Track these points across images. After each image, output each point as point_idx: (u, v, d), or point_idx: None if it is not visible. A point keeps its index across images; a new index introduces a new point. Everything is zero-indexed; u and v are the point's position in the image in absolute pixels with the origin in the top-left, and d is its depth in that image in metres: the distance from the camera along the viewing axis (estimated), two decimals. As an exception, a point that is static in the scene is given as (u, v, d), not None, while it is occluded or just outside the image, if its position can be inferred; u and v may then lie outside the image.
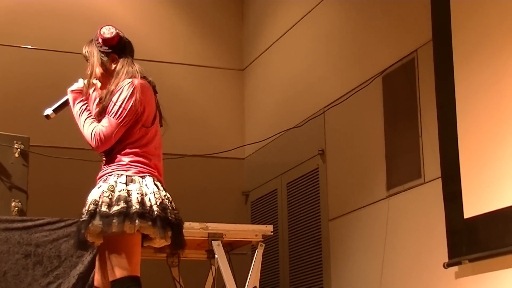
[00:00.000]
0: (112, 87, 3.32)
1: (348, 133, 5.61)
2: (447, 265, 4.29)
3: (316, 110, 5.97)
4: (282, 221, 6.36)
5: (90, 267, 4.15)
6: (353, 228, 5.40)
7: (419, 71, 4.84)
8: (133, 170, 3.27)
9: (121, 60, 3.40)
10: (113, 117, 3.25)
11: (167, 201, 3.27)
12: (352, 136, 5.54)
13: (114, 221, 3.11)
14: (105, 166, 3.33)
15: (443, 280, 4.40)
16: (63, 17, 6.84)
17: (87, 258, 4.17)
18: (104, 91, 3.37)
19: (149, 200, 3.20)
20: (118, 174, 3.25)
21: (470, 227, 4.15)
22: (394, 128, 5.04)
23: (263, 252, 4.53)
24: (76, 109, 3.35)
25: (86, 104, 3.37)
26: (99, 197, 3.19)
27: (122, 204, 3.14)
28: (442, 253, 4.34)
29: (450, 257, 4.29)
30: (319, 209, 5.84)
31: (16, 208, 4.36)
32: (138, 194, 3.19)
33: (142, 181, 3.25)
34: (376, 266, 5.06)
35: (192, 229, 4.28)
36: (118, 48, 3.43)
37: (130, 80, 3.32)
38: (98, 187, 3.24)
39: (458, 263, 4.24)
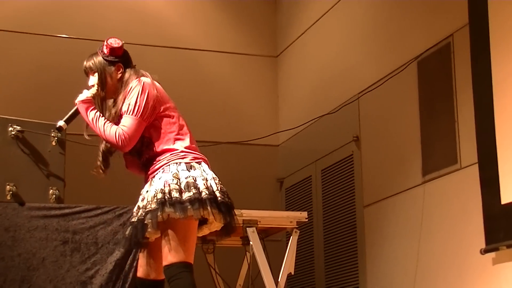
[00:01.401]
0: (122, 95, 3.40)
1: (382, 119, 5.57)
2: (484, 251, 4.25)
3: (350, 96, 5.94)
4: (317, 207, 6.35)
5: (127, 254, 4.20)
6: (388, 214, 5.37)
7: (454, 55, 4.79)
8: (190, 157, 3.32)
9: (127, 70, 3.48)
10: (132, 115, 3.30)
11: (222, 185, 3.33)
12: (387, 122, 5.51)
13: (188, 207, 3.15)
14: (155, 159, 3.33)
15: (480, 266, 4.36)
16: (98, 5, 6.88)
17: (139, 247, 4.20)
18: (111, 101, 3.47)
19: (211, 185, 3.26)
20: (176, 162, 3.29)
21: (508, 212, 4.10)
22: (430, 114, 4.99)
23: (298, 239, 4.54)
24: (91, 116, 3.40)
25: (99, 112, 3.43)
26: (164, 186, 3.21)
27: (194, 190, 3.19)
28: (479, 239, 4.30)
29: (487, 243, 4.24)
30: (354, 196, 5.82)
31: (54, 196, 4.42)
32: (202, 180, 3.25)
33: (200, 167, 3.31)
34: (411, 252, 5.03)
35: (227, 216, 4.29)
36: (124, 58, 3.51)
37: (136, 79, 3.40)
38: (159, 178, 3.26)
39: (496, 249, 4.20)
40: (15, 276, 4.07)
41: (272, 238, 4.80)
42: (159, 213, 3.15)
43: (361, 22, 5.98)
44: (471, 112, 4.47)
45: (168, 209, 3.15)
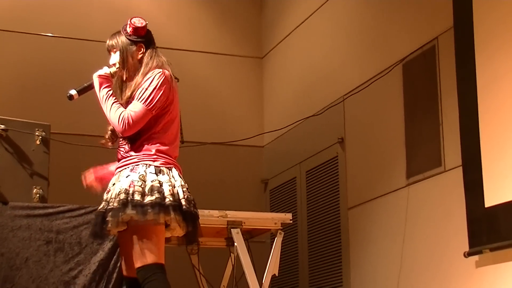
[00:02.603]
0: (140, 77, 3.37)
1: (367, 121, 5.59)
2: (468, 254, 4.27)
3: (335, 98, 5.95)
4: (301, 209, 6.36)
5: (111, 254, 4.18)
6: (372, 216, 5.39)
7: (439, 58, 4.81)
8: (161, 161, 3.32)
9: (149, 50, 3.46)
10: (143, 103, 3.29)
11: (189, 194, 3.32)
12: (372, 124, 5.52)
13: (149, 211, 3.16)
14: (129, 153, 3.35)
15: (463, 269, 4.38)
16: (83, 5, 6.86)
17: (107, 245, 4.19)
18: (130, 82, 3.42)
19: (177, 192, 3.26)
20: (146, 164, 3.29)
21: (491, 216, 4.12)
22: (414, 116, 5.01)
23: (282, 240, 4.54)
24: (102, 93, 3.37)
25: (112, 91, 3.40)
26: (129, 186, 3.22)
27: (157, 195, 3.19)
28: (463, 242, 4.32)
29: (470, 246, 4.26)
30: (338, 198, 5.83)
31: (38, 195, 4.39)
32: (169, 186, 3.25)
33: (169, 173, 3.31)
34: (395, 255, 5.05)
35: (211, 217, 4.30)
36: (146, 39, 3.48)
37: (161, 70, 3.38)
38: (126, 176, 3.27)
39: (479, 252, 4.22)
40: (-2, 276, 4.04)
41: (257, 239, 4.80)
42: (120, 213, 3.18)
43: (347, 25, 6.00)
44: (455, 115, 4.50)
45: (129, 211, 3.17)
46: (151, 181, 3.23)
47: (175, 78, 3.49)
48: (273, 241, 4.53)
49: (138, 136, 3.34)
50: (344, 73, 5.94)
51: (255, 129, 7.06)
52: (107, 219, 3.23)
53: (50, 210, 4.24)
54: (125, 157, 3.36)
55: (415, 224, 4.91)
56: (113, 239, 4.16)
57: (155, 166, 3.29)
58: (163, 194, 3.21)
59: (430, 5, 4.95)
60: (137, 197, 3.18)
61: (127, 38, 3.45)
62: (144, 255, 3.20)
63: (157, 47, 3.53)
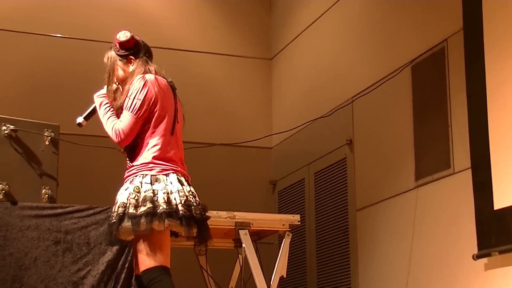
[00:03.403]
0: (127, 86, 3.47)
1: (376, 122, 5.58)
2: (477, 257, 4.26)
3: (344, 100, 5.94)
4: (310, 210, 6.35)
5: (119, 254, 4.19)
6: (380, 218, 5.38)
7: (449, 60, 4.80)
8: (157, 169, 3.37)
9: (136, 61, 3.54)
10: (129, 111, 3.38)
11: (192, 197, 3.36)
12: (381, 126, 5.51)
13: (142, 221, 3.25)
14: (130, 164, 3.45)
15: (472, 271, 4.37)
16: (93, 6, 6.87)
17: (115, 246, 4.20)
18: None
19: (175, 198, 3.31)
20: (143, 174, 3.37)
21: (500, 218, 4.11)
22: (423, 118, 5.00)
23: (290, 242, 4.54)
24: (101, 111, 3.51)
25: (110, 106, 3.52)
26: (127, 199, 3.32)
27: (148, 205, 3.27)
28: (471, 245, 4.31)
29: (479, 248, 4.25)
30: (347, 199, 5.82)
31: (46, 195, 4.40)
32: (164, 193, 3.31)
33: (166, 179, 3.36)
34: (404, 257, 5.04)
35: (219, 218, 4.30)
36: (135, 50, 3.56)
37: (140, 75, 3.45)
38: (126, 189, 3.38)
39: (488, 255, 4.21)
40: (6, 276, 4.05)
41: (265, 240, 4.80)
42: (119, 227, 3.30)
43: (356, 26, 5.99)
44: (464, 117, 4.48)
45: (125, 224, 3.29)
46: (144, 192, 3.31)
47: (164, 78, 3.56)
48: (281, 243, 4.52)
49: (135, 145, 3.43)
50: (352, 74, 5.94)
51: (263, 130, 7.05)
52: (112, 230, 3.37)
53: (59, 211, 4.25)
54: (127, 169, 3.48)
55: (423, 226, 4.89)
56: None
57: (151, 175, 3.37)
58: (157, 202, 3.29)
59: (440, 7, 4.94)
60: (131, 210, 3.29)
61: (116, 53, 3.56)
62: (148, 259, 3.29)
63: (148, 55, 3.60)
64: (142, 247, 3.30)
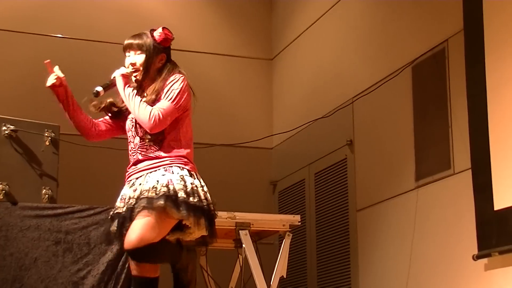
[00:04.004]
0: (161, 82, 3.40)
1: (377, 123, 5.58)
2: (477, 257, 4.26)
3: (344, 100, 5.95)
4: (310, 211, 6.35)
5: (119, 255, 4.19)
6: (381, 219, 5.38)
7: (449, 61, 4.80)
8: (190, 166, 3.36)
9: (168, 63, 3.51)
10: (171, 102, 3.33)
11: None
12: (381, 127, 5.51)
13: (191, 213, 3.22)
14: (158, 154, 3.34)
15: (472, 272, 4.37)
16: (94, 6, 6.88)
17: (116, 246, 4.20)
18: (146, 86, 3.44)
19: (208, 197, 3.34)
20: (179, 166, 3.32)
21: (500, 218, 4.11)
22: (424, 119, 5.00)
23: (290, 242, 4.54)
24: (127, 91, 3.36)
25: (135, 90, 3.43)
26: (168, 183, 3.23)
27: (197, 198, 3.26)
28: (472, 245, 4.31)
29: (479, 249, 4.25)
30: (347, 200, 5.82)
31: (47, 196, 4.41)
32: (201, 191, 3.31)
33: (198, 177, 3.37)
34: (404, 257, 5.04)
35: (219, 218, 4.25)
36: (168, 51, 3.54)
37: (183, 75, 3.46)
38: (162, 175, 3.27)
39: (488, 255, 4.21)
40: (7, 276, 4.05)
41: (265, 241, 4.80)
42: (160, 202, 3.18)
43: (357, 27, 5.99)
44: (465, 118, 4.48)
45: (169, 206, 3.18)
46: (190, 183, 3.28)
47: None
48: (281, 243, 4.52)
49: (163, 136, 3.36)
50: (353, 75, 5.94)
51: (264, 130, 7.05)
52: (135, 208, 3.23)
53: (59, 211, 4.26)
54: (151, 158, 3.34)
55: (424, 227, 4.89)
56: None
57: (187, 169, 3.33)
58: (201, 197, 3.28)
59: (440, 8, 4.94)
60: (182, 194, 3.22)
61: (155, 45, 3.46)
62: (148, 233, 3.21)
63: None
64: (143, 221, 3.21)
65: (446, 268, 4.64)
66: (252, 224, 4.41)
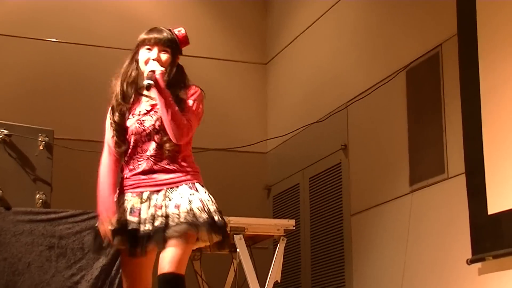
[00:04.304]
0: (184, 91, 3.17)
1: (371, 127, 5.58)
2: (471, 262, 4.26)
3: (339, 105, 5.95)
4: (304, 215, 6.35)
5: (113, 260, 4.18)
6: (375, 223, 5.38)
7: (443, 65, 4.81)
8: (201, 180, 3.18)
9: (180, 67, 3.28)
10: (195, 115, 3.13)
11: None
12: (375, 131, 5.52)
13: (218, 234, 3.05)
14: (175, 166, 3.10)
15: (466, 276, 4.37)
16: (88, 10, 6.87)
17: (110, 250, 4.19)
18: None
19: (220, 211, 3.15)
20: (199, 182, 3.14)
21: (494, 223, 4.11)
22: (418, 123, 5.01)
23: (285, 247, 4.54)
24: (167, 94, 3.06)
25: None
26: (203, 205, 3.04)
27: (220, 217, 3.08)
28: (466, 250, 4.31)
29: (473, 253, 4.25)
30: (341, 204, 5.82)
31: (40, 200, 4.40)
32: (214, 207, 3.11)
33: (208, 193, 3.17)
34: (398, 262, 5.04)
35: (214, 222, 4.29)
36: (181, 54, 3.30)
37: (198, 89, 3.26)
38: (191, 194, 3.05)
39: (482, 260, 4.21)
40: (0, 281, 4.04)
41: (259, 245, 4.80)
42: (204, 229, 2.98)
43: (351, 31, 6.00)
44: (459, 122, 4.49)
45: (209, 232, 3.00)
46: (214, 200, 3.11)
47: None
48: (276, 248, 4.52)
49: (180, 149, 3.11)
50: (347, 79, 5.94)
51: (258, 135, 7.06)
52: (166, 234, 2.96)
53: (53, 216, 4.25)
54: (168, 170, 3.09)
55: (418, 231, 4.89)
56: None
57: (202, 185, 3.15)
58: (221, 214, 3.11)
59: (434, 12, 4.96)
60: (219, 217, 3.05)
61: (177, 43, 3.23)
62: (183, 266, 3.03)
63: None
64: (176, 250, 2.98)
65: (440, 272, 4.64)
66: (247, 229, 4.41)
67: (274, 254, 4.51)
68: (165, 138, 3.08)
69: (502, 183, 4.10)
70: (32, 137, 4.51)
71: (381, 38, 5.56)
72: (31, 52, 6.60)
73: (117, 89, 3.20)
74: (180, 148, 3.10)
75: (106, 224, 3.03)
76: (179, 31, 3.25)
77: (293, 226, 4.58)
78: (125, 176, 3.15)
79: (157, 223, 2.99)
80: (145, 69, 3.09)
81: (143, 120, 3.13)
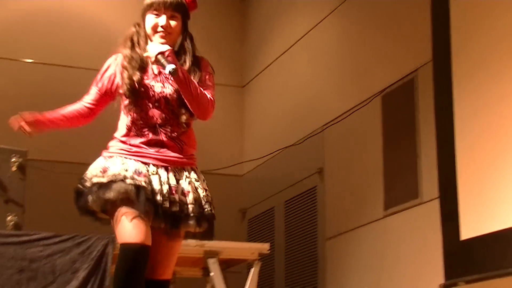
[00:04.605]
0: (199, 66, 2.95)
1: (346, 151, 5.60)
2: (443, 287, 4.27)
3: (315, 128, 5.97)
4: (279, 239, 6.33)
5: (84, 283, 4.13)
6: (350, 247, 5.38)
7: (418, 91, 4.84)
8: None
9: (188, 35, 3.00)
10: (213, 90, 2.94)
11: None
12: (351, 155, 5.54)
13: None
14: (187, 147, 2.90)
15: (439, 301, 4.38)
16: (63, 31, 6.85)
17: (81, 274, 4.15)
18: (187, 67, 2.89)
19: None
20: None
21: (467, 248, 4.13)
22: (393, 148, 5.03)
23: (259, 271, 4.52)
24: (186, 75, 2.82)
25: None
26: (206, 192, 2.93)
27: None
28: (439, 275, 4.32)
29: (446, 278, 4.26)
30: (316, 228, 5.81)
31: (12, 222, 4.35)
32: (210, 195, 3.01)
33: None
34: (372, 285, 5.03)
35: (188, 246, 4.27)
36: (189, 18, 2.99)
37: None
38: (204, 180, 2.94)
39: (454, 285, 4.21)
40: (-31, 305, 3.99)
41: (234, 269, 4.77)
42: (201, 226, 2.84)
43: (327, 56, 6.03)
44: (433, 148, 4.52)
45: (209, 225, 2.90)
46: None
47: None
48: (250, 271, 4.50)
49: (189, 127, 2.91)
50: (324, 103, 5.97)
51: (235, 157, 7.05)
52: (189, 221, 2.81)
53: (24, 238, 4.20)
54: (178, 149, 2.86)
55: (392, 256, 4.90)
56: (89, 268, 4.12)
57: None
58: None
59: (410, 39, 5.00)
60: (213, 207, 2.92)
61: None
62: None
63: None
64: (175, 254, 2.86)
65: (414, 298, 4.64)
66: (221, 253, 4.39)
67: (248, 278, 4.49)
68: (183, 110, 2.84)
69: (474, 209, 4.12)
70: (4, 158, 4.47)
71: (357, 63, 5.60)
72: (6, 72, 6.56)
73: (128, 53, 2.88)
74: (189, 127, 2.91)
75: (20, 117, 2.92)
76: None
77: (268, 250, 4.58)
78: (125, 141, 2.84)
79: (175, 208, 2.79)
80: (150, 52, 2.78)
81: (152, 85, 2.85)
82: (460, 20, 4.40)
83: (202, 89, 2.84)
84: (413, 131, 4.81)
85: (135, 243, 2.65)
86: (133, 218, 2.67)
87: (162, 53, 2.76)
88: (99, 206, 2.76)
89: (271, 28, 7.01)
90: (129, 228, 2.67)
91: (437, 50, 4.60)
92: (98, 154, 2.85)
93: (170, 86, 2.85)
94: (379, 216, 5.06)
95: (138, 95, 2.82)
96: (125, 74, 2.84)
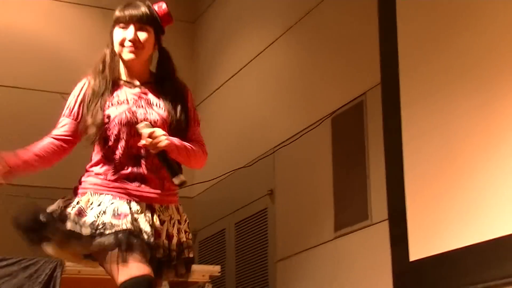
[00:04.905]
0: (178, 86, 2.74)
1: (297, 173, 5.63)
2: (393, 308, 4.30)
3: (266, 150, 5.99)
4: (230, 261, 6.31)
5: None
6: (300, 269, 5.38)
7: (367, 113, 4.90)
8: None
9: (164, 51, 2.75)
10: (198, 128, 2.82)
11: None
12: (301, 177, 5.56)
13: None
14: (167, 185, 2.67)
15: (389, 322, 4.40)
16: (14, 53, 6.77)
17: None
18: (166, 99, 2.68)
19: None
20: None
21: (415, 269, 4.17)
22: (343, 170, 5.08)
23: (210, 293, 4.50)
24: (181, 145, 2.65)
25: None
26: (188, 236, 2.73)
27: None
28: (388, 296, 4.35)
29: (396, 299, 4.30)
30: (267, 250, 5.81)
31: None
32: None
33: None
34: (323, 307, 5.05)
35: (138, 269, 4.21)
36: (162, 33, 2.70)
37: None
38: (186, 221, 2.73)
39: (404, 306, 4.26)
40: None
41: (184, 292, 4.74)
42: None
43: (278, 78, 6.07)
44: (382, 169, 4.57)
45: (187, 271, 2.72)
46: None
47: None
48: (201, 294, 4.48)
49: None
50: (274, 125, 6.00)
51: (185, 179, 7.01)
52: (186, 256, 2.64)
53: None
54: (160, 185, 2.65)
55: (342, 277, 4.92)
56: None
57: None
58: None
59: (359, 62, 5.07)
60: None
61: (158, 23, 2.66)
62: None
63: None
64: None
65: (364, 319, 4.66)
66: (171, 275, 4.34)
67: (198, 301, 4.47)
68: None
69: (423, 230, 4.17)
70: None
71: (307, 85, 5.65)
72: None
73: (96, 82, 2.67)
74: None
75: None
76: (160, 6, 2.66)
77: (219, 272, 4.57)
78: (100, 173, 2.59)
79: (158, 254, 2.58)
80: (142, 133, 2.51)
81: (134, 111, 2.60)
82: (408, 44, 4.48)
83: (196, 146, 2.68)
84: (363, 153, 4.86)
85: (145, 275, 2.44)
86: (131, 254, 2.46)
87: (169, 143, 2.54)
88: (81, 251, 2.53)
89: (222, 50, 7.03)
90: (132, 263, 2.45)
91: (386, 73, 4.67)
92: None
93: (154, 113, 2.63)
94: (329, 238, 5.08)
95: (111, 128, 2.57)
96: (89, 118, 2.58)
